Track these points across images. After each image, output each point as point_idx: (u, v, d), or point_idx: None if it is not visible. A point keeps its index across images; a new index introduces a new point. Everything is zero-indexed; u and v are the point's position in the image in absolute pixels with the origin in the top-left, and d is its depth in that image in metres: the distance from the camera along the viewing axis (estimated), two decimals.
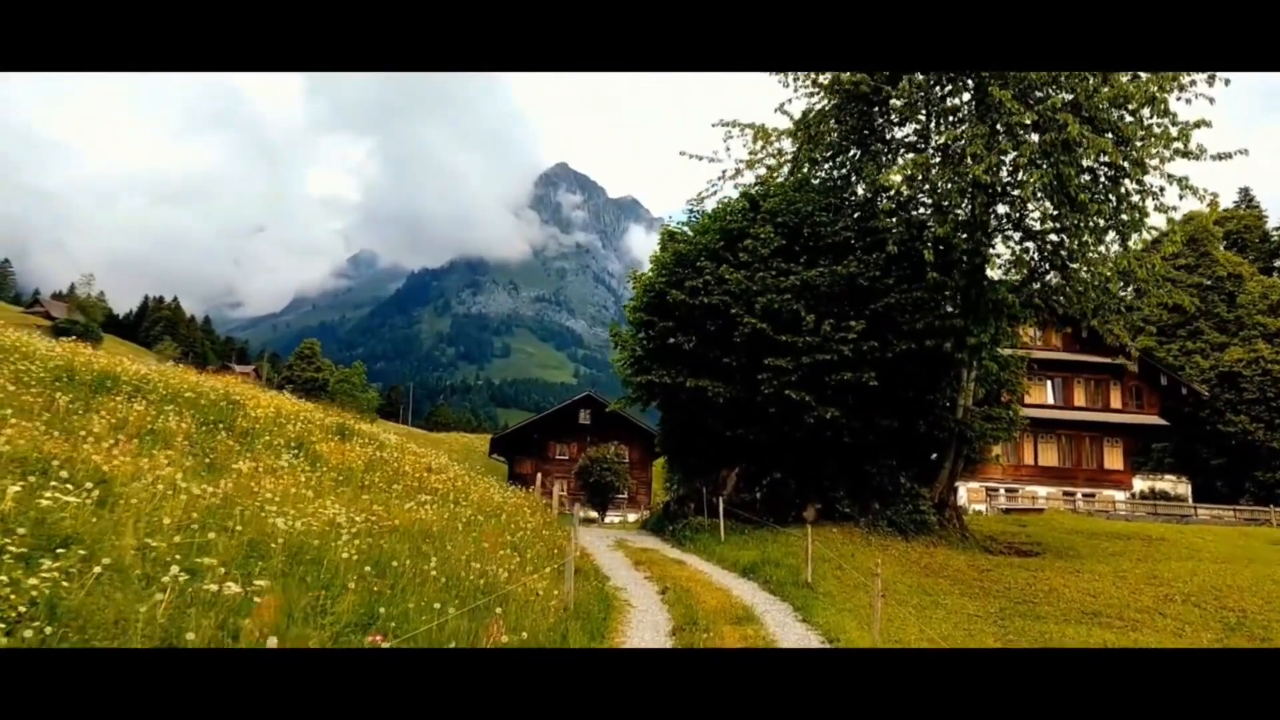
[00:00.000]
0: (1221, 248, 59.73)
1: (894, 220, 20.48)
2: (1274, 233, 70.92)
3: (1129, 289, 20.74)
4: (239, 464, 10.81)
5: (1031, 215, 20.91)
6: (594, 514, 53.05)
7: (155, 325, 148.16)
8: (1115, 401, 48.18)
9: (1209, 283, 54.50)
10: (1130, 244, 19.25)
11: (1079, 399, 48.08)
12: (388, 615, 7.59)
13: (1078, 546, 24.63)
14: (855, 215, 21.51)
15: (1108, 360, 46.42)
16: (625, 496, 57.35)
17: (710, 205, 24.00)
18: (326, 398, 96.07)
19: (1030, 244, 21.07)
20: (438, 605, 7.87)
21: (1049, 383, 47.38)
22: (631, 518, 45.57)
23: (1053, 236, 20.59)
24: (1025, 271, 21.32)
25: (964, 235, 18.78)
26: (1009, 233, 20.35)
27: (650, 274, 22.99)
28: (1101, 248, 19.71)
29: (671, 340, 21.77)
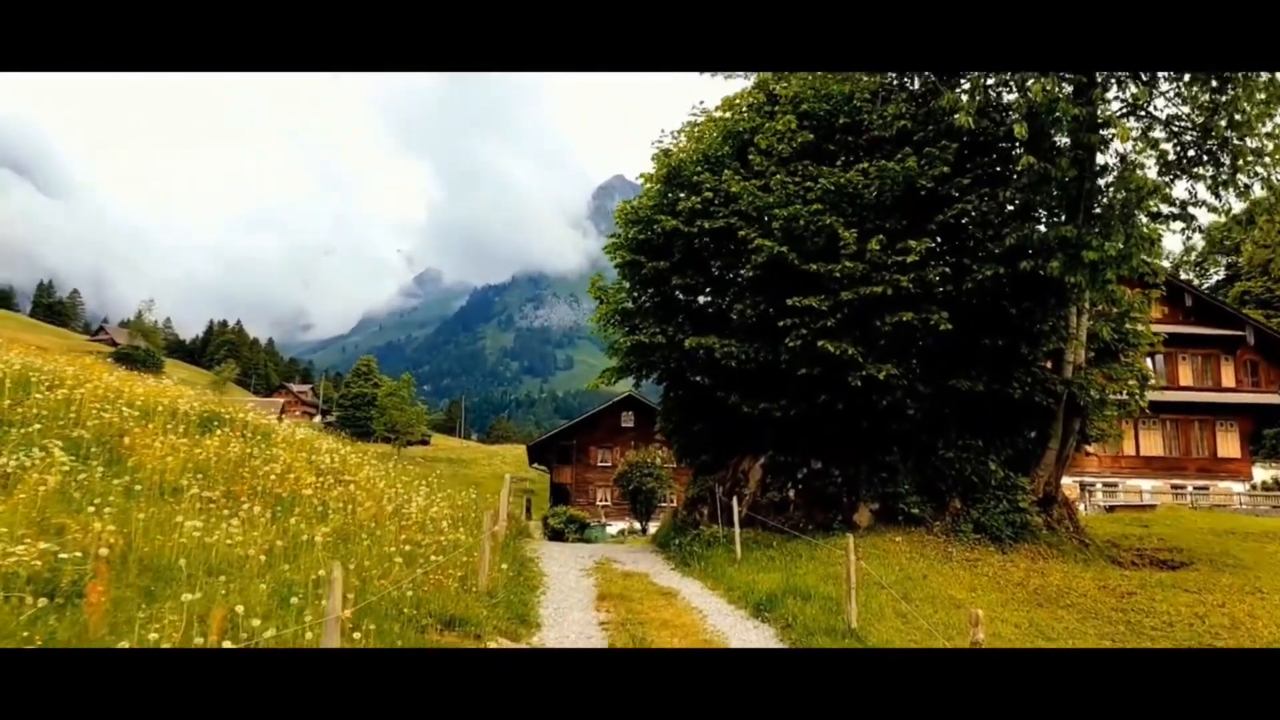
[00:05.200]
0: None
1: (964, 93, 14.29)
2: None
3: None
4: None
5: (1161, 91, 14.66)
6: (636, 525, 47.70)
7: (219, 349, 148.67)
8: (1228, 379, 40.68)
9: None
10: None
11: (1185, 377, 40.68)
12: None
13: (1233, 552, 18.12)
14: (912, 104, 15.48)
15: (1219, 332, 39.19)
16: (673, 505, 52.15)
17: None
18: (376, 411, 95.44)
19: (1158, 132, 14.74)
20: None
21: (1149, 360, 40.07)
22: None
23: (1193, 112, 14.30)
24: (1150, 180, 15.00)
25: (1070, 99, 12.64)
26: (1137, 100, 13.99)
27: (636, 201, 17.29)
28: None
29: (666, 287, 16.10)
